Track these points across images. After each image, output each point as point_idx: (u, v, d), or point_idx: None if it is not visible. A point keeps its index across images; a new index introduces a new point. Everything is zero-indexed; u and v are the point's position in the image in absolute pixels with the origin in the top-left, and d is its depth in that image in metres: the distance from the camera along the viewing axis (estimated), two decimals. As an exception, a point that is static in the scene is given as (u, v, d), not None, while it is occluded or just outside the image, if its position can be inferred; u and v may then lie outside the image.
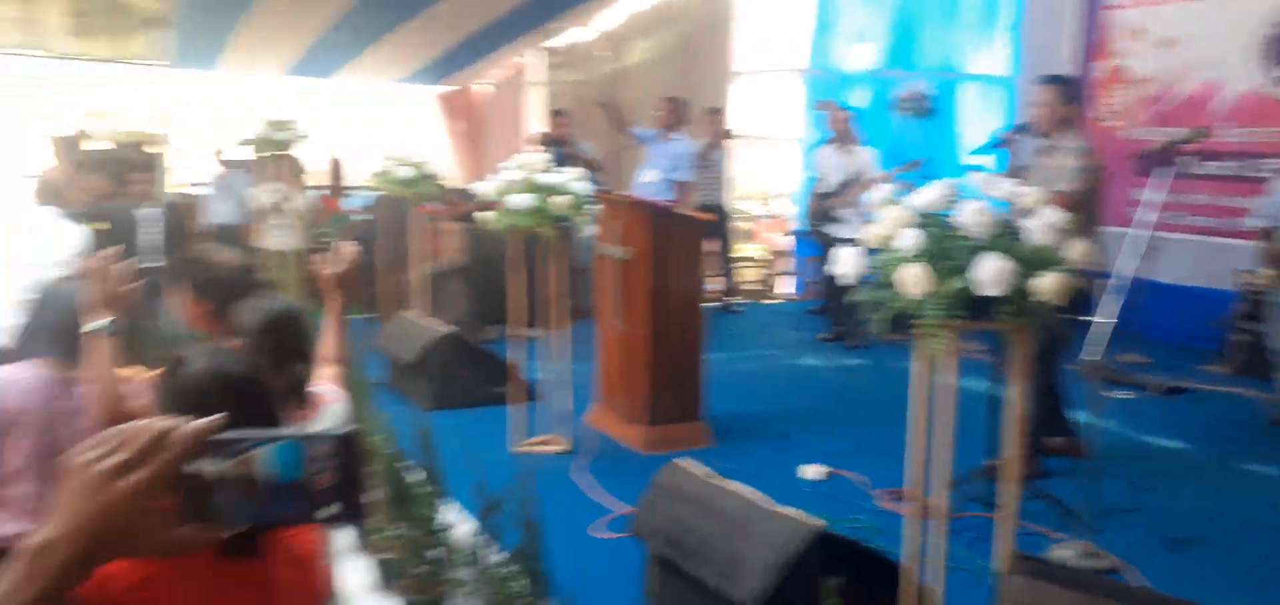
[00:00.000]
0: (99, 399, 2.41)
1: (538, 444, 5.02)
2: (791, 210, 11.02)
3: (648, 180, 7.89)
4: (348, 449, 0.90)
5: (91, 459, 0.84)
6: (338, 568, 2.08)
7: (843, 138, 7.74)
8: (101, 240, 5.70)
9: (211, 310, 2.87)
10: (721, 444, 5.10)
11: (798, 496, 3.57)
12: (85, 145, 9.40)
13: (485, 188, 5.30)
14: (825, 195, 7.71)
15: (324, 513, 0.90)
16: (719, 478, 3.48)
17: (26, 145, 10.04)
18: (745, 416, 5.67)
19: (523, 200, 5.04)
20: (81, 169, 7.67)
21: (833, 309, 7.71)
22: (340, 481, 0.89)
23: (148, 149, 10.25)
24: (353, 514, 0.90)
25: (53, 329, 2.61)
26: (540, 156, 5.39)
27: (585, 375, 5.48)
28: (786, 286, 10.89)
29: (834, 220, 7.49)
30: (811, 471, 4.72)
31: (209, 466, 0.87)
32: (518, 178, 5.12)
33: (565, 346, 5.12)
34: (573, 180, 5.11)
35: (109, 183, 6.64)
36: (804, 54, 10.57)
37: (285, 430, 0.96)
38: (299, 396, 2.52)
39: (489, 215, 5.21)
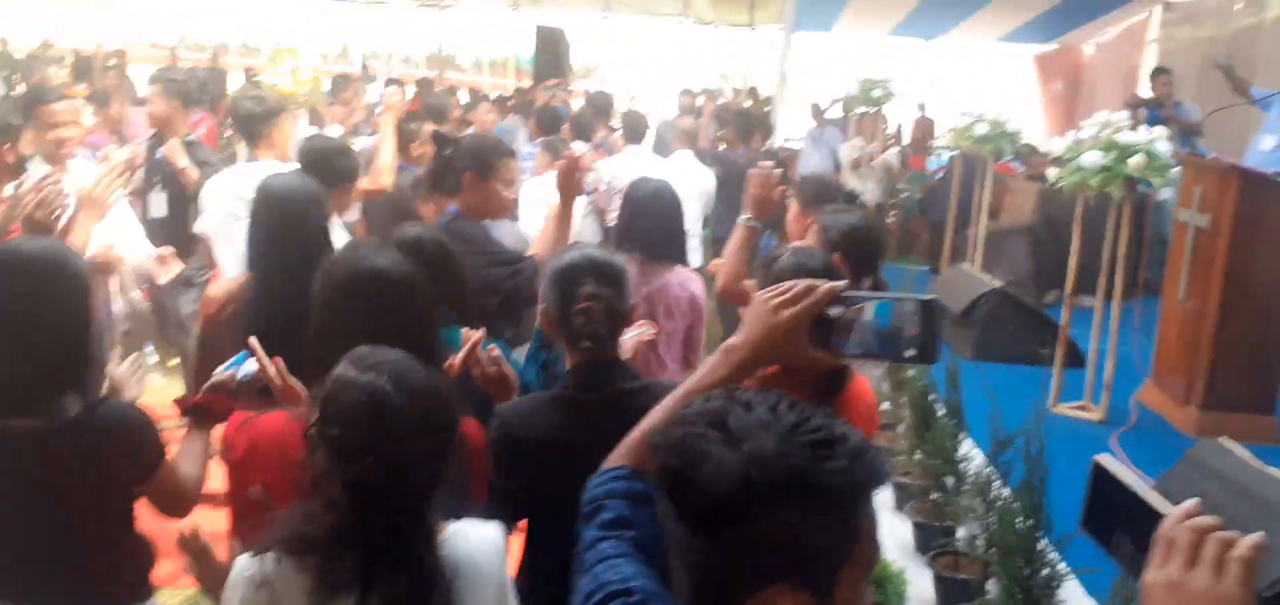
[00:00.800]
0: (727, 268, 3.18)
1: (1074, 408, 4.88)
2: None
3: (1265, 147, 6.87)
4: (927, 311, 1.21)
5: (768, 297, 1.29)
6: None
7: None
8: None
9: (806, 218, 3.60)
10: (1295, 443, 4.44)
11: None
12: (717, 101, 10.97)
13: (1059, 145, 5.21)
14: None
15: (907, 354, 1.23)
16: (1263, 465, 3.17)
17: (669, 98, 11.97)
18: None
19: (1092, 158, 4.88)
20: (714, 121, 8.99)
21: None
22: (920, 333, 1.21)
23: (765, 107, 11.57)
24: (927, 358, 1.22)
25: (643, 232, 3.36)
26: (1123, 116, 5.12)
27: (1143, 350, 5.14)
28: None
29: None
30: None
31: (835, 312, 1.25)
32: (1093, 135, 4.96)
33: (1119, 316, 4.87)
34: (1153, 141, 4.80)
35: (734, 135, 7.59)
36: None
37: (886, 292, 1.30)
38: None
39: (1057, 173, 5.13)
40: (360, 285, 1.96)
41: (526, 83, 11.03)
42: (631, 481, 1.25)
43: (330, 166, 3.39)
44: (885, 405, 4.97)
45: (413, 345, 1.81)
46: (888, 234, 9.25)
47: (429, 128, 4.68)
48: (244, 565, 1.54)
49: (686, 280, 3.33)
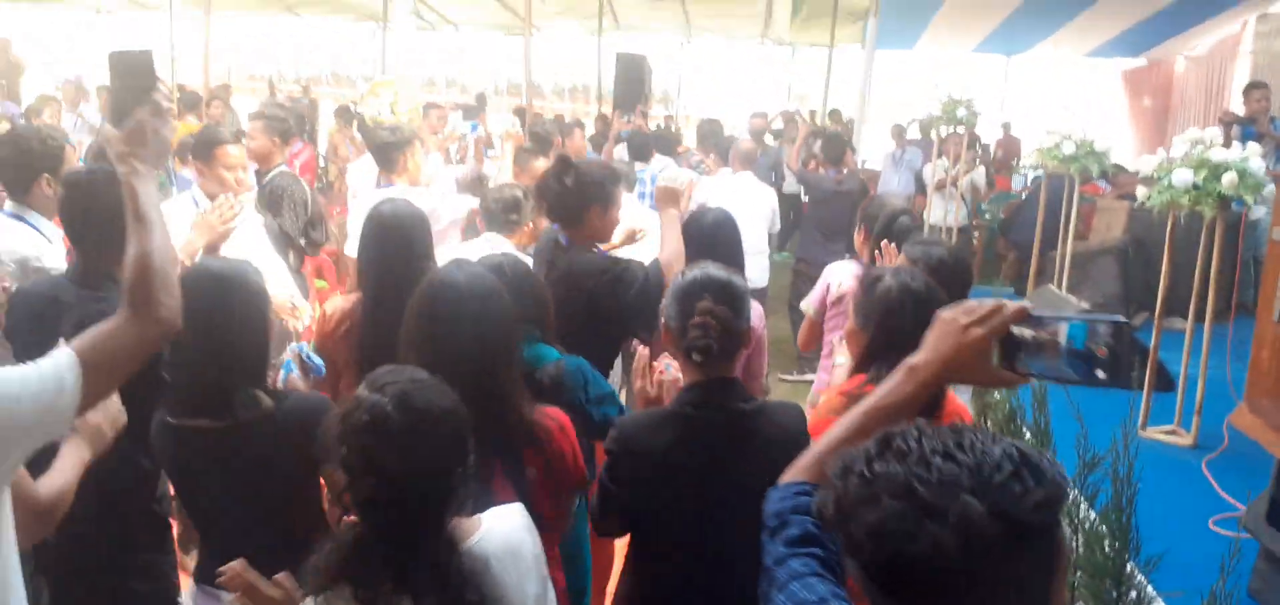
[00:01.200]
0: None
1: (1163, 433, 4.80)
2: None
3: (1370, 165, 6.64)
4: (1122, 334, 1.16)
5: (954, 316, 1.27)
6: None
7: None
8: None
9: (866, 239, 3.74)
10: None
11: None
12: (795, 122, 10.99)
13: (1147, 163, 5.15)
14: None
15: (1098, 377, 1.17)
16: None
17: (737, 120, 11.98)
18: None
19: (1183, 176, 4.82)
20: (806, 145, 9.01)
21: None
22: (1113, 356, 1.16)
23: (842, 127, 11.53)
24: (1120, 382, 1.16)
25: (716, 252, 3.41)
26: (1215, 132, 5.05)
27: (1236, 373, 5.02)
28: None
29: None
30: None
31: (1024, 331, 1.22)
32: (1183, 153, 4.91)
33: (1211, 338, 4.77)
34: (1247, 158, 4.72)
35: (823, 156, 7.54)
36: None
37: (1076, 314, 1.22)
38: None
39: (1147, 192, 5.08)
40: (435, 300, 2.12)
41: (608, 109, 11.21)
42: (814, 498, 1.24)
43: (519, 209, 3.74)
44: (971, 427, 4.95)
45: (485, 358, 1.99)
46: (972, 259, 9.16)
47: (536, 157, 4.89)
48: None
49: None
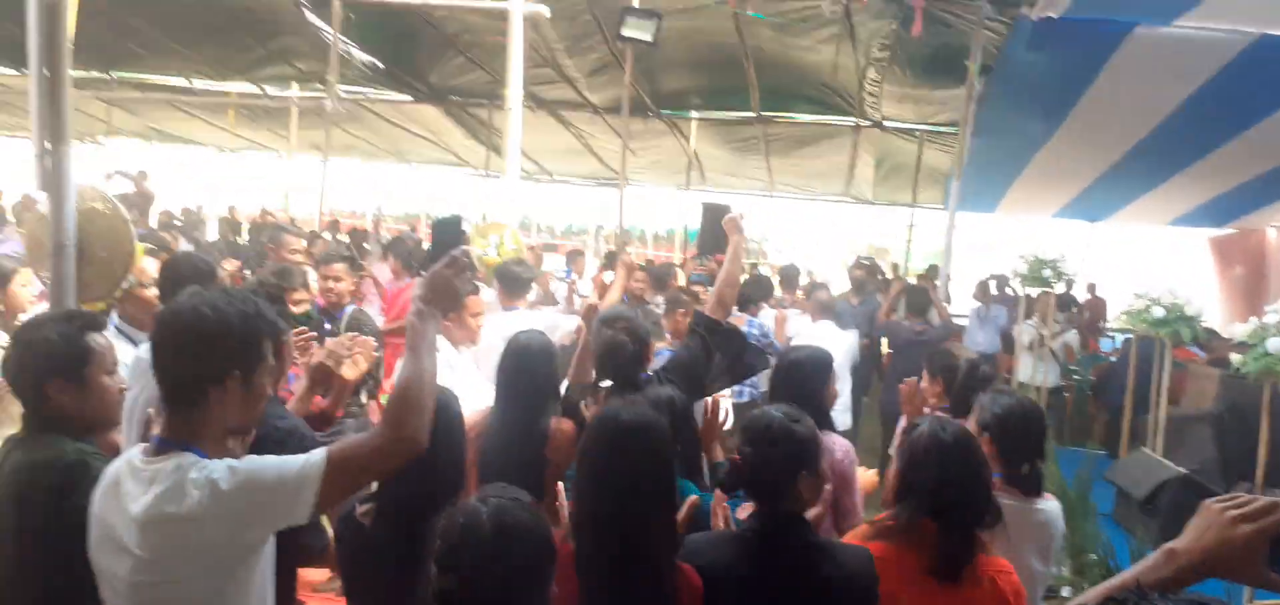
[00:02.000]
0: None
1: None
2: None
3: None
4: None
5: (1222, 508, 1.21)
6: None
7: None
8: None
9: (942, 390, 3.71)
10: None
11: None
12: (877, 277, 11.16)
13: (1241, 330, 5.19)
14: None
15: None
16: None
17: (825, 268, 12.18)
18: None
19: (1277, 343, 4.85)
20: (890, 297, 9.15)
21: None
22: None
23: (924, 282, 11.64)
24: None
25: (787, 398, 3.42)
26: (1310, 302, 5.09)
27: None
28: None
29: None
30: None
31: None
32: (1277, 320, 4.95)
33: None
34: (1344, 329, 4.75)
35: (909, 310, 7.67)
36: None
37: None
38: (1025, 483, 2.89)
39: (1240, 359, 5.10)
40: (608, 435, 2.24)
41: (692, 254, 11.59)
42: None
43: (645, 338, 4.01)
44: (1065, 590, 4.91)
45: (653, 491, 2.13)
46: (1064, 418, 9.05)
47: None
48: None
49: (829, 446, 3.21)
